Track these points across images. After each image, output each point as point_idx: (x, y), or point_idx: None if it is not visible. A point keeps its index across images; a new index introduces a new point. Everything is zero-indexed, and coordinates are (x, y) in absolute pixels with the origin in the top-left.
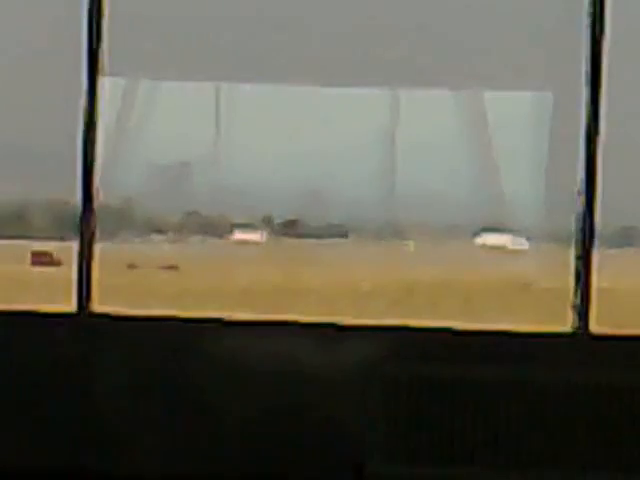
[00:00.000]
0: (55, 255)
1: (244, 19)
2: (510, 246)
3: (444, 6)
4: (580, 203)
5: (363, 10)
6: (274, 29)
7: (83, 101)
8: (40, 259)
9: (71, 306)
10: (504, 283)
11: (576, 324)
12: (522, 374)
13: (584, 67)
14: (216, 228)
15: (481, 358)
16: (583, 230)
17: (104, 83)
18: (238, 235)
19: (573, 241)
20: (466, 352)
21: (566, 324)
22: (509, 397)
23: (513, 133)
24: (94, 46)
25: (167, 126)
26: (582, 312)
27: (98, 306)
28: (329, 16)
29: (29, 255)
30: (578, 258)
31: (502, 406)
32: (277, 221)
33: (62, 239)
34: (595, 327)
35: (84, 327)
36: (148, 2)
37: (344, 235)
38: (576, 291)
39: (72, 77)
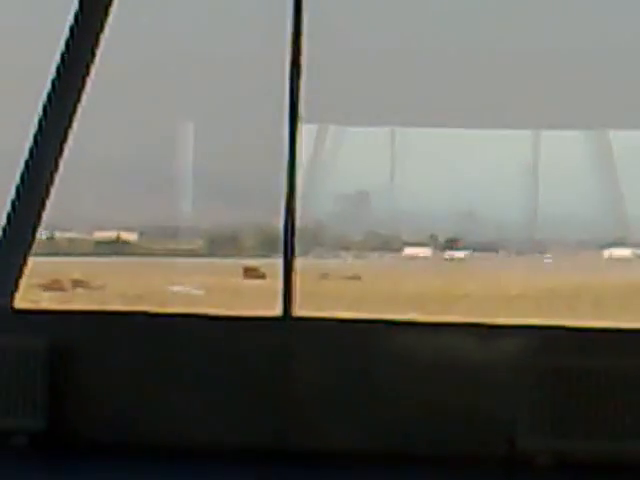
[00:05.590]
0: (262, 270)
1: (415, 74)
2: (632, 257)
3: (581, 58)
4: None
5: (514, 63)
6: (440, 83)
7: (286, 143)
8: (251, 273)
9: (277, 311)
10: (629, 288)
11: None
12: None
13: None
14: (391, 245)
15: (614, 352)
16: None
17: (302, 128)
18: (409, 251)
19: None
20: (599, 346)
21: None
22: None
23: (635, 165)
24: (294, 99)
25: (351, 163)
26: None
27: (298, 310)
28: (492, 68)
29: (242, 270)
30: None
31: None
32: (440, 239)
33: (268, 256)
34: None
35: (288, 328)
36: (334, 67)
37: (495, 250)
38: None
39: (277, 124)
